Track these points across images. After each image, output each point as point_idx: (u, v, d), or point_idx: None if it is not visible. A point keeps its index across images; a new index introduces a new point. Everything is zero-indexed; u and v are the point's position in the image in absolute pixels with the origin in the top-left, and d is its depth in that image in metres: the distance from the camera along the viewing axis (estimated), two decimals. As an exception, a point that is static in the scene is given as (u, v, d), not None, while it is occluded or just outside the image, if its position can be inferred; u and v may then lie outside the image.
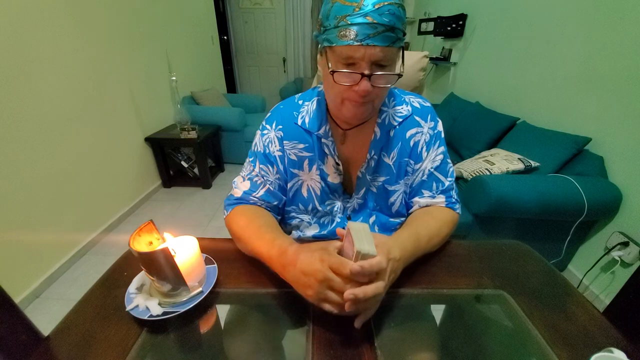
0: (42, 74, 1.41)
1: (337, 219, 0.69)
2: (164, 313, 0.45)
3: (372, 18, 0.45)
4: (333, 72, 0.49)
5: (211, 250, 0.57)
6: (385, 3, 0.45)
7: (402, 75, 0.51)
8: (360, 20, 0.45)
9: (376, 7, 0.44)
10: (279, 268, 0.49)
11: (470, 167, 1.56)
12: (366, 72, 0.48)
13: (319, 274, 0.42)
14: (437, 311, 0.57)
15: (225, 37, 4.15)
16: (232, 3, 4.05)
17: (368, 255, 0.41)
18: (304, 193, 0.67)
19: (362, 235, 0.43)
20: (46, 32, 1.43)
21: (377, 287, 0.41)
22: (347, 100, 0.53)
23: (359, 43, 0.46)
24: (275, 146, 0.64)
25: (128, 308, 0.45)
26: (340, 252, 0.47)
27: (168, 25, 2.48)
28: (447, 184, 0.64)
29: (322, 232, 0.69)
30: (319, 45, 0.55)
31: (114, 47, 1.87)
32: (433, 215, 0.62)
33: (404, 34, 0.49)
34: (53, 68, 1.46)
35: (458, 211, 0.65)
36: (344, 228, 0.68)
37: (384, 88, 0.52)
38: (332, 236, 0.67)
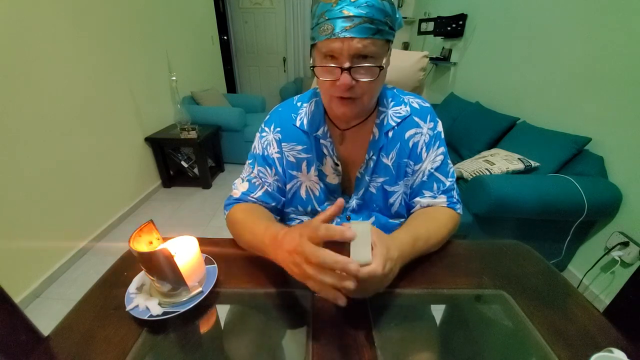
0: (42, 74, 1.41)
1: (337, 220, 0.69)
2: (164, 313, 0.45)
3: (348, 11, 0.46)
4: (313, 67, 0.51)
5: (211, 250, 0.57)
6: None
7: (383, 67, 0.50)
8: (336, 14, 0.46)
9: (352, 0, 0.46)
10: (272, 254, 0.48)
11: (470, 167, 1.56)
12: (345, 65, 0.48)
13: (298, 248, 0.40)
14: (437, 311, 0.57)
15: (225, 37, 4.15)
16: (232, 3, 4.05)
17: (362, 263, 0.40)
18: (303, 194, 0.67)
19: (359, 240, 0.41)
20: (46, 32, 1.42)
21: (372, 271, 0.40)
22: (334, 96, 0.53)
23: (335, 36, 0.47)
24: (274, 148, 0.65)
25: (128, 308, 0.45)
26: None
27: (168, 25, 2.48)
28: (448, 184, 0.64)
29: None
30: None
31: (114, 47, 1.87)
32: (433, 216, 0.62)
33: (390, 27, 0.49)
34: (53, 68, 1.46)
35: (459, 211, 0.65)
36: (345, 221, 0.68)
37: (370, 82, 0.51)
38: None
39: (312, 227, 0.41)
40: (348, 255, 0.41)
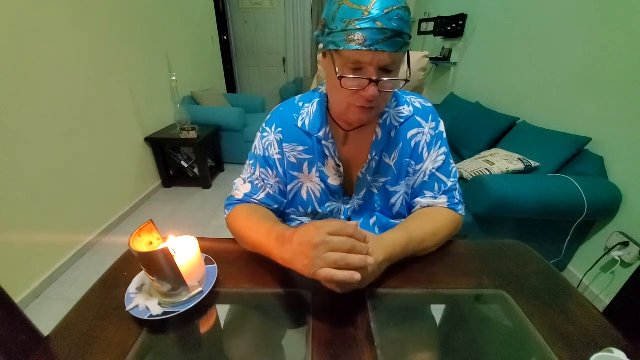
0: (42, 74, 1.41)
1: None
2: (164, 313, 0.45)
3: (382, 23, 0.44)
4: (341, 77, 0.49)
5: (211, 250, 0.57)
6: (394, 8, 0.44)
7: (409, 80, 0.50)
8: (369, 25, 0.44)
9: (385, 11, 0.44)
10: (278, 251, 0.48)
11: (470, 167, 1.56)
12: (374, 77, 0.47)
13: (316, 239, 0.42)
14: (437, 311, 0.57)
15: (225, 37, 4.15)
16: (232, 3, 4.05)
17: None
18: (304, 195, 0.67)
19: None
20: (46, 32, 1.42)
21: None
22: (354, 105, 0.52)
23: (367, 48, 0.45)
24: (275, 149, 0.64)
25: (128, 308, 0.45)
26: None
27: (168, 25, 2.48)
28: (449, 184, 0.64)
29: None
30: (321, 46, 0.55)
31: (114, 47, 1.87)
32: (431, 217, 0.62)
33: (410, 38, 0.49)
34: (53, 68, 1.46)
35: (461, 212, 0.64)
36: None
37: (390, 92, 0.52)
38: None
39: (338, 224, 0.44)
40: None
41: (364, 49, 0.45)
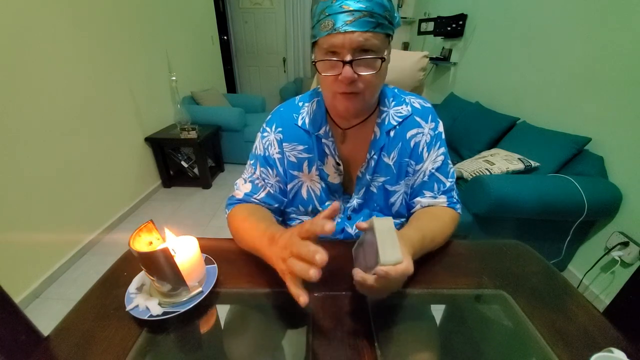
0: (42, 74, 1.41)
1: (337, 219, 0.69)
2: (164, 313, 0.45)
3: (348, 5, 0.46)
4: (314, 62, 0.52)
5: (211, 250, 0.57)
6: None
7: (384, 58, 0.50)
8: (337, 9, 0.47)
9: None
10: (268, 254, 0.48)
11: (470, 167, 1.56)
12: (347, 58, 0.48)
13: (287, 242, 0.41)
14: (437, 311, 0.57)
15: (225, 37, 4.15)
16: (232, 3, 4.05)
17: (393, 262, 0.39)
18: (304, 194, 0.67)
19: (385, 238, 0.40)
20: (46, 32, 1.42)
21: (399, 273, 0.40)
22: (337, 92, 0.53)
23: (336, 31, 0.47)
24: (275, 149, 0.65)
25: (128, 308, 0.45)
26: (357, 255, 0.49)
27: (168, 25, 2.48)
28: (448, 184, 0.65)
29: None
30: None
31: (114, 47, 1.87)
32: (436, 215, 0.62)
33: (390, 22, 0.50)
34: (53, 68, 1.46)
35: (459, 211, 0.66)
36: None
37: (371, 76, 0.51)
38: (332, 237, 0.68)
39: (302, 224, 0.42)
40: (376, 255, 0.40)
41: (334, 32, 0.47)
